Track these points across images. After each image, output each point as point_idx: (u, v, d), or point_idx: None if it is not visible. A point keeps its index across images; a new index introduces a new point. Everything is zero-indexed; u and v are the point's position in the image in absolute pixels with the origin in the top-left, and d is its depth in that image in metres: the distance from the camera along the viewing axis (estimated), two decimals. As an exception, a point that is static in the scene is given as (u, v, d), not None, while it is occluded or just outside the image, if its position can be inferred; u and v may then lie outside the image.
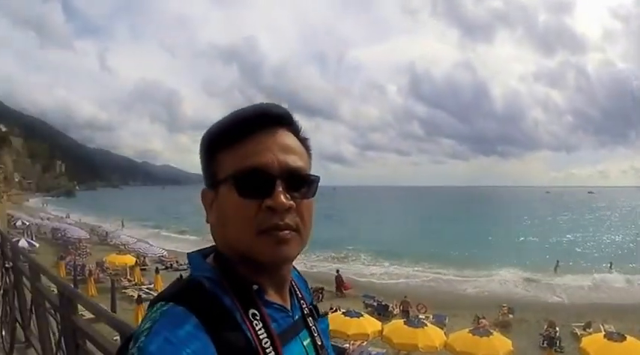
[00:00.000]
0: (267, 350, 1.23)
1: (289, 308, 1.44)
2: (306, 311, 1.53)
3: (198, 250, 1.46)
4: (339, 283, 36.89)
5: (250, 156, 1.30)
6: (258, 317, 1.27)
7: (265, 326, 1.27)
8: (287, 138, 1.37)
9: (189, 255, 1.44)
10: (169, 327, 1.12)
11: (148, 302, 1.34)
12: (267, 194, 1.27)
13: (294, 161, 1.34)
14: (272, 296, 1.38)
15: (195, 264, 1.38)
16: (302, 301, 1.55)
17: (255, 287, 1.32)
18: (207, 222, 1.41)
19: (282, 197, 1.27)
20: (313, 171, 1.43)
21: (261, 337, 1.24)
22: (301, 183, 1.34)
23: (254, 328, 1.24)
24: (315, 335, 1.49)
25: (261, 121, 1.33)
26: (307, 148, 1.45)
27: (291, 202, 1.29)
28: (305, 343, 1.43)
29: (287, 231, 1.29)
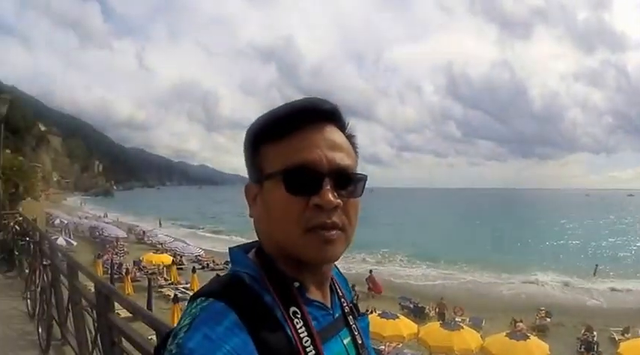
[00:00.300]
0: (308, 349, 1.19)
1: (330, 305, 1.41)
2: (346, 309, 1.49)
3: (240, 245, 1.42)
4: (373, 283, 36.81)
5: (298, 152, 1.26)
6: (299, 315, 1.23)
7: (306, 325, 1.23)
8: (335, 134, 1.33)
9: (230, 249, 1.40)
10: (209, 323, 1.09)
11: (188, 298, 1.33)
12: (315, 191, 1.23)
13: (342, 159, 1.30)
14: (313, 294, 1.35)
15: (237, 260, 1.35)
16: (342, 299, 1.51)
17: (296, 284, 1.29)
18: (250, 216, 1.37)
19: (330, 195, 1.23)
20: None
21: (301, 335, 1.20)
22: (349, 181, 1.30)
23: (295, 326, 1.21)
24: (356, 333, 1.45)
25: (309, 116, 1.29)
26: (354, 145, 1.40)
27: (339, 201, 1.25)
28: (345, 342, 1.39)
29: (334, 231, 1.25)
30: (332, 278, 1.48)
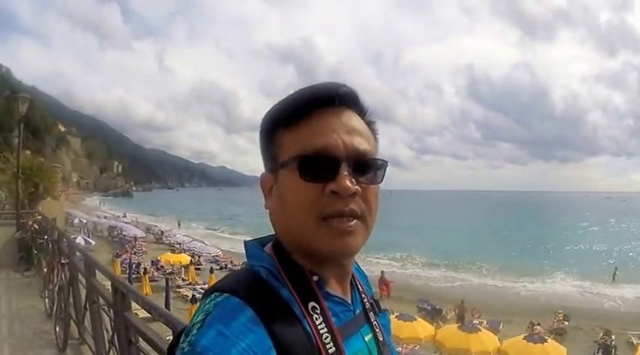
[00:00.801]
0: (328, 346, 1.15)
1: (350, 301, 1.36)
2: (367, 305, 1.44)
3: (256, 239, 1.37)
4: (385, 285, 36.76)
5: (313, 137, 1.20)
6: (318, 311, 1.19)
7: (326, 320, 1.19)
8: (353, 119, 1.27)
9: (246, 243, 1.35)
10: (223, 320, 1.05)
11: (203, 293, 1.26)
12: (331, 177, 1.17)
13: (360, 143, 1.24)
14: (333, 288, 1.30)
15: (253, 254, 1.30)
16: (363, 295, 1.46)
17: (315, 278, 1.24)
18: (266, 208, 1.32)
19: (347, 181, 1.17)
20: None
21: (321, 331, 1.16)
22: (368, 167, 1.24)
23: (314, 322, 1.17)
24: (377, 330, 1.40)
25: (326, 100, 1.23)
26: (374, 132, 1.35)
27: (357, 187, 1.19)
28: (367, 338, 1.34)
29: (352, 221, 1.19)
30: (352, 274, 1.43)
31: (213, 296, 1.14)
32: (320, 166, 1.18)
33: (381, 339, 1.39)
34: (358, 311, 1.37)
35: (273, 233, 1.33)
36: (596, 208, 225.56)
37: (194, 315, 1.12)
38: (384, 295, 35.30)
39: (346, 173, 1.17)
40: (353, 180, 1.18)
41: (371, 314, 1.42)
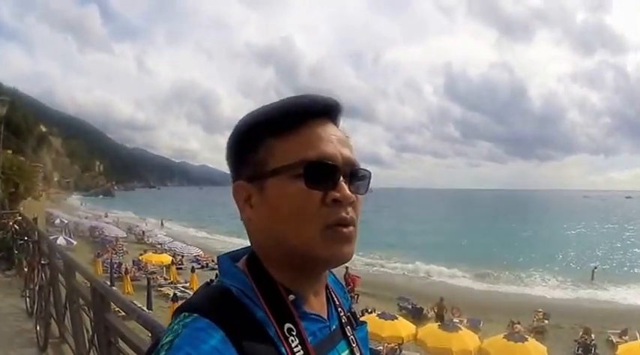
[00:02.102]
0: None
1: (326, 317, 1.33)
2: (343, 319, 1.41)
3: (229, 253, 1.35)
4: (352, 282, 36.58)
5: (315, 145, 1.20)
6: (294, 333, 1.16)
7: (302, 342, 1.16)
8: (339, 131, 1.29)
9: (219, 258, 1.32)
10: (192, 342, 1.02)
11: (174, 310, 1.20)
12: (332, 186, 1.18)
13: (351, 154, 1.26)
14: (309, 305, 1.27)
15: (225, 269, 1.27)
16: (340, 308, 1.43)
17: (291, 297, 1.21)
18: (242, 218, 1.28)
19: (347, 189, 1.19)
20: None
21: (297, 354, 1.13)
22: (358, 177, 1.27)
23: (290, 345, 1.13)
24: (354, 345, 1.37)
25: (317, 111, 1.25)
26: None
27: (354, 196, 1.21)
28: None
29: (351, 227, 1.21)
30: (328, 286, 1.42)
31: (182, 316, 1.10)
32: (323, 174, 1.18)
33: (358, 354, 1.38)
34: (334, 327, 1.35)
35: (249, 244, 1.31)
36: (575, 207, 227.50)
37: (163, 335, 1.09)
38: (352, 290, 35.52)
39: (344, 182, 1.20)
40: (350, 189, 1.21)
41: (348, 328, 1.40)
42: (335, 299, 1.43)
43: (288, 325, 1.15)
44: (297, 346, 1.13)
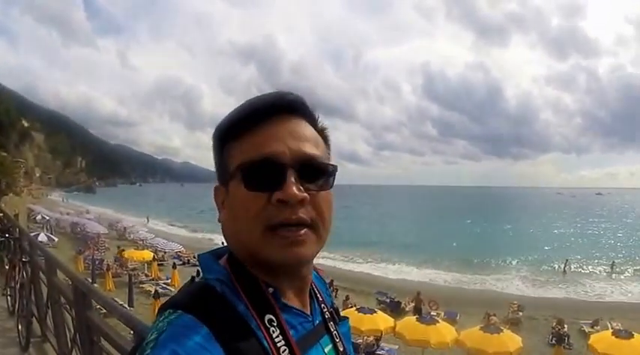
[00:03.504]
0: None
1: (309, 312, 1.35)
2: (327, 315, 1.42)
3: (210, 251, 1.36)
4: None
5: (259, 146, 1.20)
6: (275, 324, 1.17)
7: (283, 333, 1.17)
8: (301, 126, 1.27)
9: (200, 256, 1.34)
10: (177, 338, 1.03)
11: (158, 308, 1.21)
12: (277, 186, 1.16)
13: (308, 149, 1.23)
14: (291, 300, 1.28)
15: (207, 267, 1.28)
16: (323, 304, 1.45)
17: (270, 290, 1.22)
18: (219, 220, 1.30)
19: (293, 188, 1.16)
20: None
21: (278, 345, 1.15)
22: (317, 173, 1.23)
23: (270, 335, 1.15)
24: (337, 340, 1.39)
25: (273, 109, 1.24)
26: (325, 139, 1.35)
27: (305, 194, 1.18)
28: (326, 349, 1.34)
29: (302, 230, 1.18)
30: (311, 283, 1.42)
31: (166, 313, 1.11)
32: (265, 174, 1.17)
33: (341, 349, 1.39)
34: (317, 322, 1.36)
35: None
36: (549, 203, 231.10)
37: (149, 332, 1.10)
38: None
39: (293, 180, 1.16)
40: (300, 187, 1.17)
41: (331, 323, 1.41)
42: (318, 295, 1.45)
43: (268, 316, 1.17)
44: (277, 336, 1.15)
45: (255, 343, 1.11)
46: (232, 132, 1.24)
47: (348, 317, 1.57)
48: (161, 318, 1.11)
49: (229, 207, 1.24)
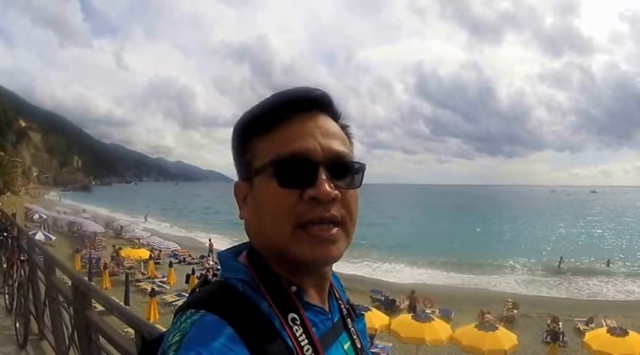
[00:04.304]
0: None
1: (328, 309, 1.34)
2: (344, 312, 1.43)
3: (229, 249, 1.35)
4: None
5: (290, 142, 1.18)
6: (298, 322, 1.16)
7: (306, 332, 1.16)
8: (329, 122, 1.26)
9: (219, 254, 1.32)
10: (202, 340, 1.00)
11: (176, 310, 1.17)
12: (310, 183, 1.14)
13: (338, 146, 1.22)
14: (312, 298, 1.27)
15: (227, 265, 1.26)
16: (340, 301, 1.44)
17: (293, 288, 1.21)
18: (240, 217, 1.29)
19: (326, 185, 1.14)
20: None
21: (302, 343, 1.13)
22: (346, 170, 1.22)
23: (294, 334, 1.13)
24: (355, 337, 1.39)
25: (300, 105, 1.22)
26: (348, 135, 1.34)
27: (337, 192, 1.16)
28: (345, 346, 1.33)
29: (333, 229, 1.17)
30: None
31: (189, 313, 1.09)
32: (297, 171, 1.15)
33: (359, 346, 1.38)
34: (336, 319, 1.35)
35: (247, 240, 1.30)
36: (543, 201, 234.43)
37: (169, 334, 1.07)
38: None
39: (325, 177, 1.15)
40: (332, 184, 1.16)
41: (348, 320, 1.41)
42: (335, 292, 1.44)
43: (292, 315, 1.16)
44: (301, 335, 1.14)
45: (280, 343, 1.10)
46: (257, 126, 1.23)
47: (364, 314, 1.57)
48: (183, 319, 1.09)
49: (255, 203, 1.22)
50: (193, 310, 1.08)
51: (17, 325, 8.09)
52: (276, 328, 1.11)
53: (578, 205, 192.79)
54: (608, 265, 51.64)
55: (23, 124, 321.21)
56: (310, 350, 1.13)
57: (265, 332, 1.09)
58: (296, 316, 1.16)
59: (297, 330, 1.14)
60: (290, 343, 1.11)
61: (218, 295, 1.14)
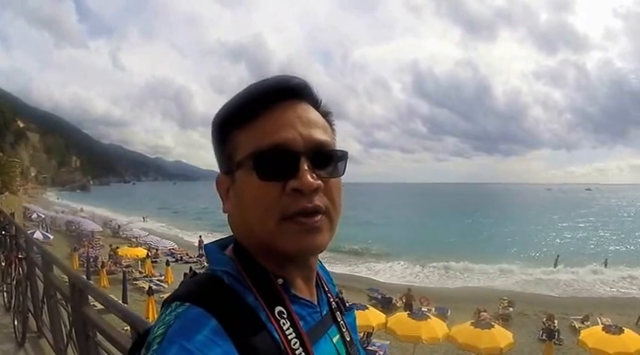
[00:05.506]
0: (297, 352, 1.11)
1: (317, 302, 1.32)
2: (333, 305, 1.40)
3: (215, 241, 1.33)
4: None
5: (270, 133, 1.15)
6: (285, 315, 1.15)
7: (293, 325, 1.14)
8: (309, 111, 1.23)
9: (205, 246, 1.31)
10: (186, 333, 0.99)
11: (162, 301, 1.18)
12: (291, 174, 1.12)
13: (319, 135, 1.19)
14: (300, 291, 1.26)
15: (213, 257, 1.24)
16: (329, 294, 1.42)
17: (280, 281, 1.20)
18: (224, 211, 1.26)
19: (308, 176, 1.12)
20: None
21: (289, 337, 1.12)
22: (328, 159, 1.20)
23: (281, 328, 1.12)
24: (344, 330, 1.37)
25: (278, 94, 1.19)
26: (330, 123, 1.30)
27: (319, 182, 1.15)
28: (334, 340, 1.31)
29: (317, 217, 1.15)
30: (317, 273, 1.38)
31: (174, 306, 1.08)
32: (278, 163, 1.13)
33: (348, 339, 1.36)
34: (325, 312, 1.34)
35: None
36: (539, 199, 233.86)
37: (154, 326, 1.06)
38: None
39: (307, 168, 1.13)
40: (314, 174, 1.14)
41: (337, 313, 1.39)
42: (324, 285, 1.42)
43: (278, 308, 1.15)
44: (288, 328, 1.13)
45: (265, 336, 1.09)
46: (236, 119, 1.20)
47: (354, 307, 1.55)
48: (168, 311, 1.08)
49: (237, 197, 1.21)
50: (178, 303, 1.08)
51: (15, 323, 8.09)
52: (262, 321, 1.11)
53: (574, 203, 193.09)
54: (606, 265, 51.31)
55: (21, 125, 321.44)
56: (298, 343, 1.12)
57: (251, 326, 1.08)
58: (283, 309, 1.15)
59: (284, 324, 1.13)
60: (277, 336, 1.10)
61: (203, 288, 1.14)
